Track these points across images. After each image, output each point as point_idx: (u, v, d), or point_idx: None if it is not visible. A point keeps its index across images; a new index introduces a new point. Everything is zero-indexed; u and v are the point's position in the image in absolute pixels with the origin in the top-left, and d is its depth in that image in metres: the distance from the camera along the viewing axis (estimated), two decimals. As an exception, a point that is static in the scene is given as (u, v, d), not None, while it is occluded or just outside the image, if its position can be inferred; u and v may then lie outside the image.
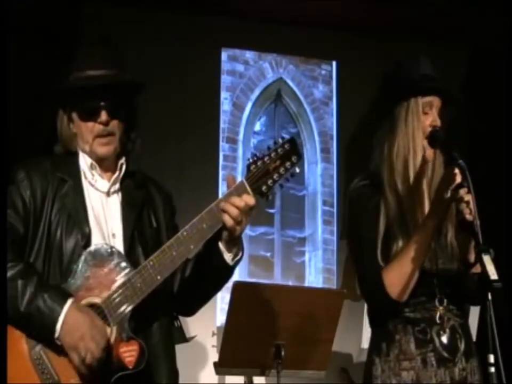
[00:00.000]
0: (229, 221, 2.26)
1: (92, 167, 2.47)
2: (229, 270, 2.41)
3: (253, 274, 5.15)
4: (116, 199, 2.47)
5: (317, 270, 5.32)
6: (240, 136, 5.39)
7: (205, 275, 2.45)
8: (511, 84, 5.25)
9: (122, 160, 2.51)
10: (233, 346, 3.36)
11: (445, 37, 5.37)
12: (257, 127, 5.51)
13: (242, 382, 3.95)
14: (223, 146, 5.31)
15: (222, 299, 4.80)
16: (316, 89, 5.59)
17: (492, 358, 2.08)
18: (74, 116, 2.47)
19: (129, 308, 2.24)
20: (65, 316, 2.21)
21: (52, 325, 2.20)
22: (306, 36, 5.38)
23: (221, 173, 5.22)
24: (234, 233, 2.30)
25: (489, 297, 2.10)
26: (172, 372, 2.43)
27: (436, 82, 2.63)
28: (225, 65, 5.41)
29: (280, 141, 2.29)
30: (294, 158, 2.27)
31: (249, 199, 2.27)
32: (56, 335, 2.21)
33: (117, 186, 2.49)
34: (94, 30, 4.80)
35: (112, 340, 2.23)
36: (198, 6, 5.08)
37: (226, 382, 4.53)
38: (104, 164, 2.49)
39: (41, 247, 2.36)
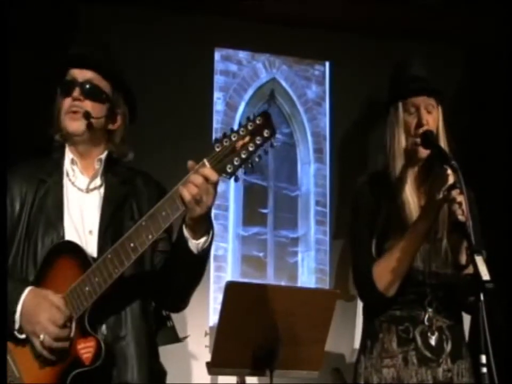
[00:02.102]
0: (187, 196, 2.11)
1: (72, 162, 2.49)
2: (196, 259, 2.26)
3: (246, 274, 5.15)
4: (96, 196, 2.46)
5: (310, 270, 5.32)
6: (233, 136, 5.38)
7: (174, 266, 2.35)
8: (510, 84, 5.26)
9: (103, 156, 2.50)
10: (226, 346, 3.35)
11: (442, 37, 5.38)
12: (251, 127, 5.50)
13: (235, 382, 3.95)
14: (216, 146, 5.31)
15: (215, 299, 4.80)
16: (309, 89, 5.59)
17: (483, 359, 2.09)
18: (59, 97, 2.51)
19: (88, 304, 2.22)
20: (23, 305, 2.22)
21: (12, 315, 2.22)
22: (300, 36, 5.38)
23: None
24: (194, 213, 2.15)
25: (482, 297, 2.11)
26: (146, 372, 2.36)
27: (419, 83, 2.64)
28: (218, 65, 5.41)
29: (252, 116, 2.13)
30: (266, 132, 2.09)
31: (208, 172, 2.11)
32: (17, 325, 2.22)
33: (98, 182, 2.48)
34: (91, 30, 4.82)
35: (71, 336, 2.22)
36: (191, 6, 5.08)
37: (218, 382, 4.53)
38: (84, 158, 2.49)
39: (19, 248, 2.37)
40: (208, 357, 3.49)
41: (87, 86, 2.48)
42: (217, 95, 5.37)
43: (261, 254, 5.25)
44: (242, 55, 5.49)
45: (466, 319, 2.78)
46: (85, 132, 2.47)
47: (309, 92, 5.59)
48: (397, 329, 2.56)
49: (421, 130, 2.59)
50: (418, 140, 2.60)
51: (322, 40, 5.46)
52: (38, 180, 2.45)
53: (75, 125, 2.45)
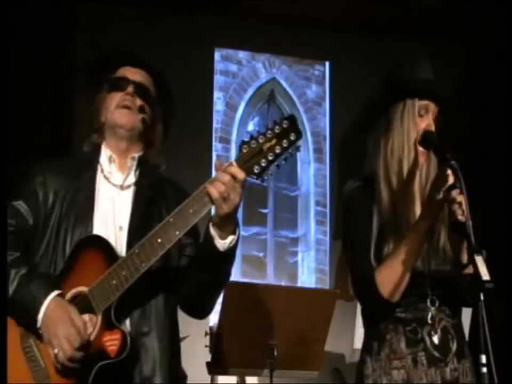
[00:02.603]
0: (214, 194, 2.15)
1: (110, 159, 2.51)
2: (222, 257, 2.26)
3: (246, 274, 5.15)
4: (129, 193, 2.49)
5: (310, 270, 5.33)
6: (233, 136, 5.39)
7: (200, 265, 2.35)
8: (510, 84, 5.26)
9: (136, 154, 2.54)
10: (226, 346, 3.36)
11: (442, 37, 5.38)
12: (250, 127, 5.51)
13: (235, 382, 3.95)
14: (216, 146, 5.32)
15: (215, 299, 4.80)
16: (309, 89, 5.60)
17: (484, 359, 2.08)
18: (104, 93, 2.55)
19: (114, 297, 2.24)
20: (46, 308, 2.24)
21: (34, 315, 2.24)
22: (300, 36, 5.39)
23: (214, 173, 5.20)
24: (221, 211, 2.17)
25: (482, 297, 2.11)
26: (166, 370, 2.36)
27: (435, 87, 2.63)
28: (218, 65, 5.41)
29: (279, 119, 2.16)
30: (292, 136, 2.12)
31: (235, 170, 2.15)
32: (38, 324, 2.24)
33: (132, 179, 2.51)
34: (89, 29, 4.83)
35: (97, 328, 2.24)
36: (191, 6, 5.08)
37: (218, 382, 4.52)
38: (122, 156, 2.52)
39: (51, 240, 2.40)
40: (208, 357, 3.50)
41: (140, 86, 2.54)
42: (217, 95, 5.38)
43: (261, 254, 5.25)
44: (242, 55, 5.49)
45: (466, 318, 2.77)
46: (137, 126, 2.51)
47: (308, 92, 5.59)
48: (405, 330, 2.54)
49: (420, 132, 2.58)
50: (417, 141, 2.58)
51: (322, 40, 5.46)
52: (72, 175, 2.47)
53: (125, 119, 2.49)
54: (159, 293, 2.39)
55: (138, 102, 2.52)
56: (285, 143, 2.13)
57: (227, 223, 2.24)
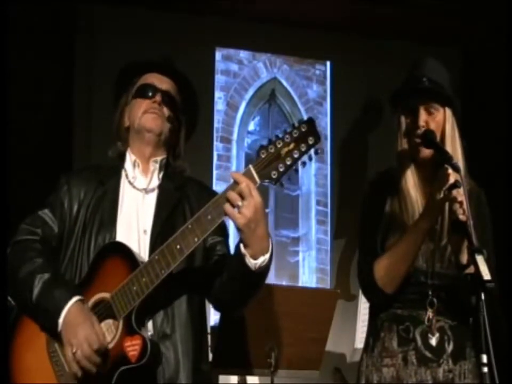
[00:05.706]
0: (227, 208, 2.14)
1: (134, 164, 2.53)
2: (253, 275, 2.22)
3: (247, 274, 5.15)
4: (153, 197, 2.50)
5: (311, 270, 5.32)
6: (234, 136, 5.39)
7: (232, 276, 2.32)
8: (510, 84, 5.25)
9: (158, 158, 2.55)
10: (227, 346, 3.35)
11: (441, 37, 5.38)
12: (251, 126, 5.51)
13: (236, 382, 3.95)
14: (217, 145, 5.32)
15: (216, 299, 4.80)
16: (310, 89, 5.60)
17: (484, 358, 2.08)
18: (130, 98, 2.57)
19: (135, 303, 2.26)
20: (67, 313, 2.27)
21: (55, 318, 2.28)
22: (301, 36, 5.39)
23: (214, 172, 5.22)
24: (236, 221, 2.14)
25: (482, 297, 2.11)
26: (191, 372, 2.36)
27: (416, 85, 2.62)
28: (219, 64, 5.41)
29: (297, 123, 2.14)
30: (310, 140, 2.10)
31: (236, 176, 2.12)
32: (59, 328, 2.28)
33: (155, 182, 2.52)
34: (87, 29, 4.83)
35: (119, 334, 2.27)
36: (193, 6, 5.08)
37: (219, 382, 4.52)
38: (146, 161, 2.54)
39: (76, 246, 2.44)
40: (209, 357, 3.50)
41: (168, 95, 2.55)
42: (218, 94, 5.38)
43: (261, 254, 5.25)
44: (243, 54, 5.49)
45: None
46: (164, 132, 2.53)
47: (309, 92, 5.59)
48: (398, 328, 2.57)
49: (419, 131, 2.59)
50: (418, 141, 2.59)
51: (323, 40, 5.46)
52: (97, 181, 2.51)
53: (154, 123, 2.50)
54: (182, 295, 2.40)
55: (166, 111, 2.54)
56: (303, 147, 2.10)
57: (254, 241, 2.18)
